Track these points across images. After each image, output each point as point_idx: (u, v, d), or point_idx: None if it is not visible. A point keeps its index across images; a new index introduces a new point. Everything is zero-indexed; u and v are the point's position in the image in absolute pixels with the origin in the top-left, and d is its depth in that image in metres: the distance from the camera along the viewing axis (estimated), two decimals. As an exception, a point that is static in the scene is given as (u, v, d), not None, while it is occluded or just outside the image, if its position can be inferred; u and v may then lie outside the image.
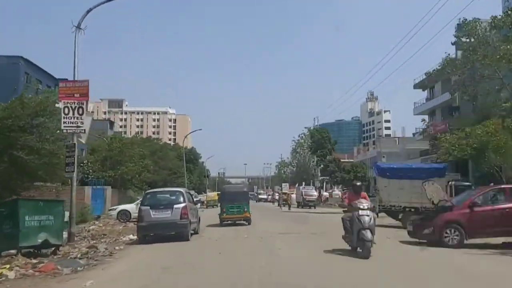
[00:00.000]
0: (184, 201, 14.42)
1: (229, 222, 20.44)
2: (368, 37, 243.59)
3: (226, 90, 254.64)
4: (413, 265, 9.49)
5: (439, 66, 27.59)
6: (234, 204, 20.55)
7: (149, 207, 14.15)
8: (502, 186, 13.98)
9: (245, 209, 20.49)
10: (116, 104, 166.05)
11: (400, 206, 18.97)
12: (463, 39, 26.75)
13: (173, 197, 14.68)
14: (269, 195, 74.14)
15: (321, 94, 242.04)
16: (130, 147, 40.21)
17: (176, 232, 14.17)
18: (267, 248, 11.81)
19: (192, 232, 15.43)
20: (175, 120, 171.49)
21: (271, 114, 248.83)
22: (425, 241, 12.30)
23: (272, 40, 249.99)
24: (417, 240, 12.59)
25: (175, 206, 14.12)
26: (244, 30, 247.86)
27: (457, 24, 28.82)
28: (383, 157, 58.53)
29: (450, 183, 19.19)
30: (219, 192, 32.79)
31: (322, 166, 42.27)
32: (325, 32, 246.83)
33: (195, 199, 40.60)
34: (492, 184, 22.83)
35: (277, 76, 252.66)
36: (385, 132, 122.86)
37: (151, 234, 14.37)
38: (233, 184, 34.16)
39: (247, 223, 20.48)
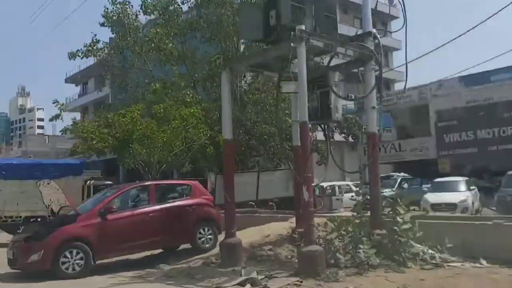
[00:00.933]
0: None
1: None
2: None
3: None
4: None
5: (85, 48, 23.53)
6: None
7: None
8: (146, 183, 10.75)
9: None
10: None
11: (21, 217, 14.03)
12: (110, 25, 23.92)
13: None
14: None
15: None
16: None
17: None
18: None
19: None
20: None
21: None
22: (33, 272, 8.03)
23: None
24: (21, 271, 8.19)
25: None
26: None
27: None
28: (30, 156, 52.98)
29: (89, 182, 15.63)
30: None
31: None
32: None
33: None
34: (137, 181, 20.93)
35: None
36: (39, 131, 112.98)
37: None
38: None
39: None
